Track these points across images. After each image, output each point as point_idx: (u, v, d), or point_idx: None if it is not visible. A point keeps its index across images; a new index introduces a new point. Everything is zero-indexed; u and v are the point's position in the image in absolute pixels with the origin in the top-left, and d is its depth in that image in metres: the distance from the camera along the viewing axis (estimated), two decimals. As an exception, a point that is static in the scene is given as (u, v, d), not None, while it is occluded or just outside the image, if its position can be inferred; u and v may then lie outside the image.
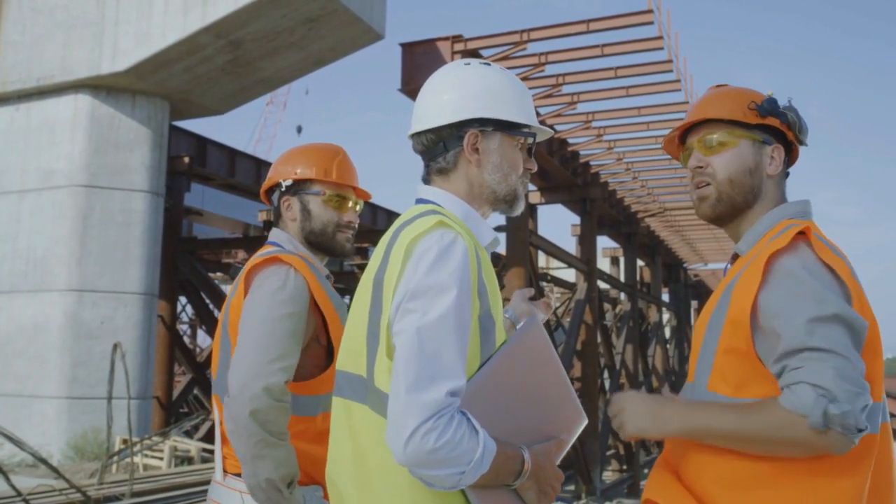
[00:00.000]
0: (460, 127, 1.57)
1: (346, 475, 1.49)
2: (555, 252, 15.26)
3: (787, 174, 1.66)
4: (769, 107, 1.57)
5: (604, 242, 21.67)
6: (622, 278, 20.63)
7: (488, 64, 1.64)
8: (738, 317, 1.43)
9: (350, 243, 2.20)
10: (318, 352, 2.05)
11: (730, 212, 1.61)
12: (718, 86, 1.69)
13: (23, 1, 11.75)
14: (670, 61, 11.21)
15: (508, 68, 11.96)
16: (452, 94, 1.59)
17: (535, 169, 1.68)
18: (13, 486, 6.43)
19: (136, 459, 10.25)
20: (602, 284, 18.21)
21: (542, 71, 11.74)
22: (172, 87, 11.72)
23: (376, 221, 21.83)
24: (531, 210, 15.04)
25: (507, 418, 1.46)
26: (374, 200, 22.15)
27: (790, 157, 1.66)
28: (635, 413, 1.50)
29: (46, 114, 11.74)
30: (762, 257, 1.43)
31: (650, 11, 10.12)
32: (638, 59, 11.49)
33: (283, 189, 2.18)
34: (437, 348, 1.34)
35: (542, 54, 11.46)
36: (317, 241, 2.16)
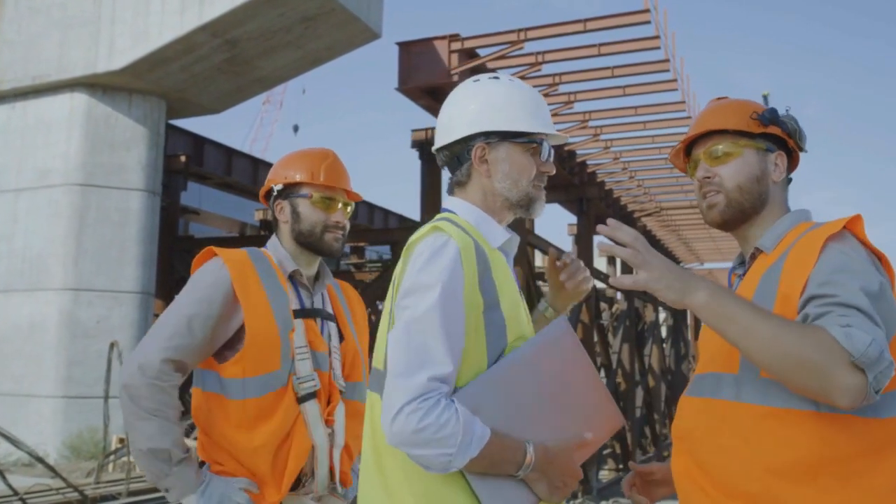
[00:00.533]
0: (468, 141, 1.71)
1: (367, 459, 1.65)
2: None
3: (790, 180, 1.73)
4: (771, 116, 1.65)
5: (600, 242, 21.63)
6: (619, 277, 20.60)
7: (497, 77, 1.77)
8: (790, 291, 1.44)
9: (339, 242, 2.26)
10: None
11: (739, 217, 1.66)
12: (719, 98, 1.77)
13: (19, -1, 11.74)
14: (667, 61, 11.23)
15: (505, 67, 12.02)
16: (459, 112, 1.73)
17: (553, 171, 1.76)
18: (10, 486, 6.43)
19: (133, 459, 10.23)
20: (598, 284, 18.23)
21: (539, 70, 11.75)
22: (169, 85, 11.70)
23: (373, 221, 21.83)
24: (528, 209, 15.01)
25: (523, 413, 1.56)
26: (371, 200, 22.19)
27: (791, 163, 1.73)
28: (664, 267, 1.42)
29: (42, 112, 11.71)
30: (817, 240, 1.45)
31: (647, 11, 10.14)
32: (635, 58, 11.51)
33: (276, 193, 2.29)
34: (423, 340, 1.49)
35: (538, 53, 11.48)
36: (306, 242, 2.23)
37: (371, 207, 22.01)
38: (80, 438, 10.53)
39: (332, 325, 2.28)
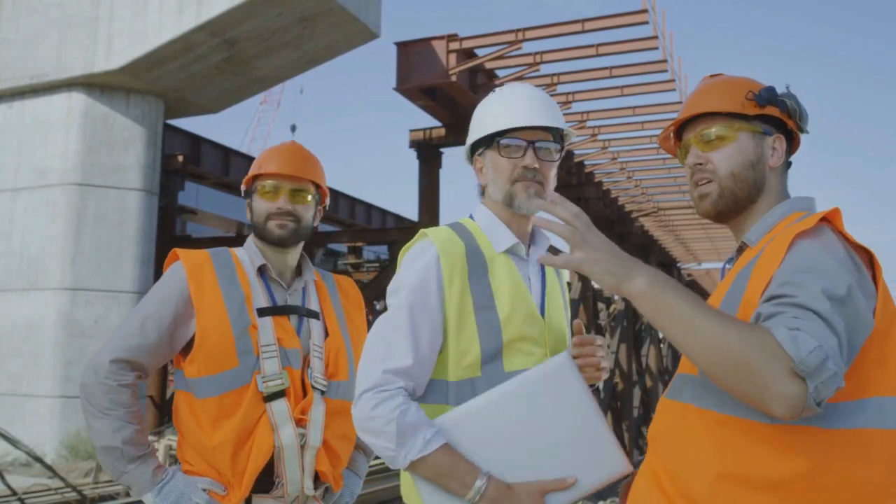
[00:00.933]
0: (472, 155, 1.88)
1: None
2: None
3: (790, 164, 1.59)
4: (768, 95, 1.50)
5: (598, 242, 21.65)
6: (616, 277, 20.61)
7: (501, 87, 1.89)
8: (753, 298, 1.33)
9: (285, 230, 2.17)
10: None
11: (733, 208, 1.52)
12: (713, 76, 1.63)
13: (16, -1, 11.73)
14: (665, 61, 11.25)
15: (503, 68, 12.04)
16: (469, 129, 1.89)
17: (532, 164, 1.75)
18: (8, 486, 6.43)
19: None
20: (596, 284, 18.23)
21: (537, 70, 11.76)
22: (167, 85, 11.70)
23: (370, 221, 21.84)
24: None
25: (501, 446, 1.56)
26: (368, 200, 22.18)
27: (791, 146, 1.58)
28: (604, 249, 1.31)
29: (40, 112, 11.70)
30: (786, 238, 1.34)
31: (645, 11, 10.15)
32: (633, 58, 11.53)
33: (244, 194, 2.30)
34: (387, 335, 1.65)
35: (536, 54, 11.49)
36: (258, 234, 2.21)
37: (369, 207, 22.01)
38: (77, 438, 10.52)
39: (314, 322, 2.20)
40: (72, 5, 11.29)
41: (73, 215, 11.27)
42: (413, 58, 11.77)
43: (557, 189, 1.91)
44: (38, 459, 6.05)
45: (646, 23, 10.27)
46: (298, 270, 2.30)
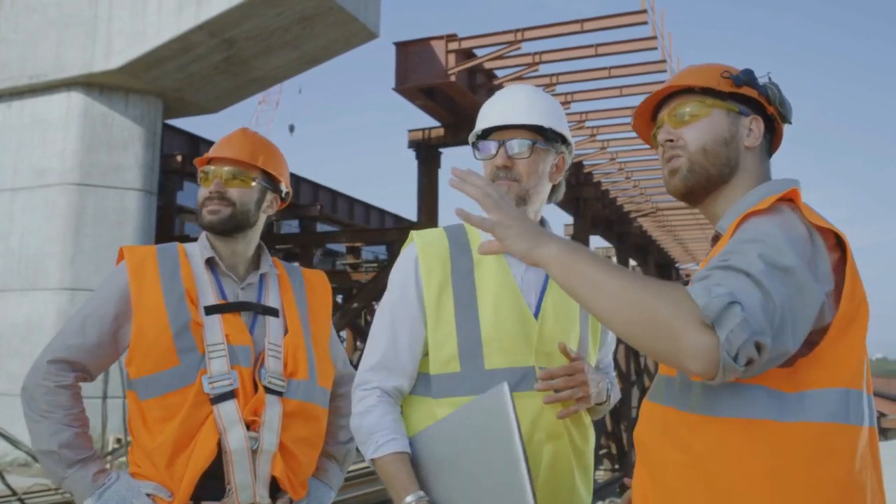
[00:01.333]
0: None
1: None
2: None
3: (771, 153, 1.53)
4: (745, 77, 1.45)
5: (596, 242, 21.72)
6: (615, 277, 20.62)
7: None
8: None
9: (215, 215, 2.04)
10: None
11: (703, 184, 1.45)
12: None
13: (15, -2, 11.73)
14: (664, 61, 11.26)
15: (502, 68, 12.03)
16: None
17: (502, 163, 1.76)
18: (9, 486, 6.43)
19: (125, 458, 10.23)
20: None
21: (536, 70, 11.77)
22: (166, 85, 11.70)
23: (369, 221, 21.84)
24: (525, 209, 15.04)
25: (442, 474, 1.60)
26: (367, 200, 22.18)
27: (774, 136, 1.52)
28: (517, 215, 1.32)
29: (39, 112, 11.70)
30: (736, 222, 1.30)
31: (644, 11, 10.16)
32: (632, 59, 11.54)
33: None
34: (372, 334, 1.80)
35: (536, 54, 11.50)
36: (198, 223, 2.12)
37: (367, 207, 22.01)
38: (76, 438, 10.51)
39: (270, 319, 2.04)
40: (70, 5, 11.29)
41: (72, 215, 11.27)
42: (412, 58, 11.78)
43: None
44: (38, 459, 6.07)
45: (645, 23, 10.28)
46: (256, 264, 2.14)
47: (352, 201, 21.03)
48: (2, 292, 11.48)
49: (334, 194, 19.96)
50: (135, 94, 11.75)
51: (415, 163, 13.15)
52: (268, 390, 1.95)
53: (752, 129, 1.46)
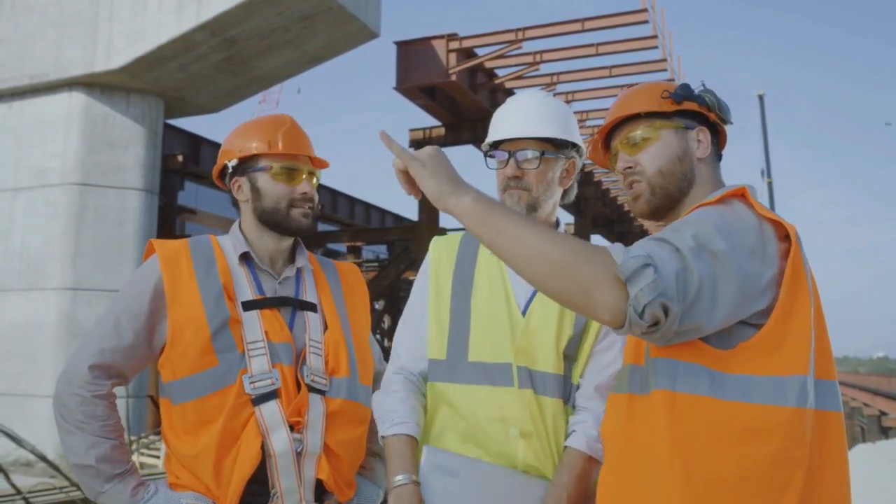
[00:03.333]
0: None
1: None
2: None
3: (720, 157, 1.61)
4: (683, 92, 1.54)
5: (597, 241, 21.72)
6: (615, 277, 20.64)
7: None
8: None
9: (309, 218, 1.96)
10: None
11: (666, 203, 1.54)
12: (630, 86, 1.70)
13: (16, -2, 11.72)
14: (664, 60, 11.27)
15: (503, 67, 12.03)
16: None
17: (513, 173, 1.82)
18: (13, 485, 6.43)
19: (133, 458, 10.22)
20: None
21: (537, 70, 11.78)
22: (167, 85, 11.70)
23: (369, 221, 21.84)
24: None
25: None
26: (368, 200, 22.19)
27: (718, 140, 1.60)
28: (439, 164, 1.37)
29: (40, 112, 11.70)
30: (686, 212, 1.37)
31: (644, 10, 10.17)
32: (632, 57, 11.56)
33: (231, 170, 2.01)
34: (401, 321, 1.97)
35: (536, 53, 11.50)
36: (270, 221, 1.96)
37: (368, 207, 22.00)
38: (78, 438, 10.51)
39: (310, 315, 1.97)
40: (70, 5, 11.29)
41: (72, 215, 11.27)
42: (413, 57, 11.78)
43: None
44: (43, 458, 6.05)
45: (645, 22, 10.29)
46: (291, 257, 2.05)
47: (352, 201, 21.03)
48: (3, 292, 11.47)
49: (335, 194, 19.96)
50: (136, 93, 11.75)
51: (415, 162, 13.17)
52: (310, 389, 1.87)
53: (700, 140, 1.55)
